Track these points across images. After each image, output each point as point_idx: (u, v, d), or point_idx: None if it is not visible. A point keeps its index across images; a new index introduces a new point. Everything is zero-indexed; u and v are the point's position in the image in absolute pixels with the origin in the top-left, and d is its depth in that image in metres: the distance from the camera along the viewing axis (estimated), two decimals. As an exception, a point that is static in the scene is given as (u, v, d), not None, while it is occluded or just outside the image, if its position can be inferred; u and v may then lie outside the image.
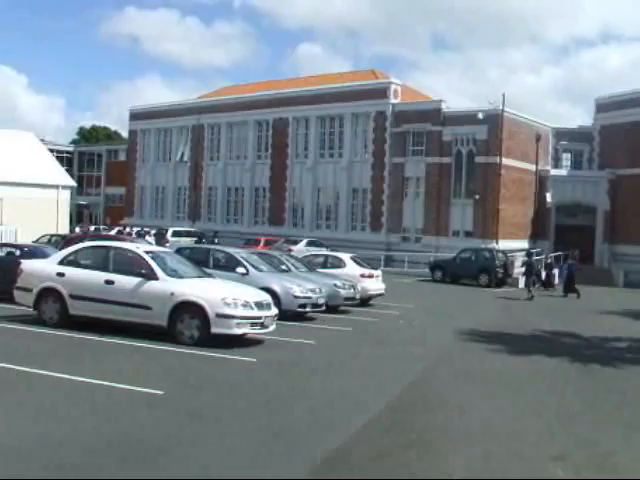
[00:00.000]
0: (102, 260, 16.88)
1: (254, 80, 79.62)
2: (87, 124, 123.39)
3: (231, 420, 9.85)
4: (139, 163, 74.82)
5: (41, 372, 11.69)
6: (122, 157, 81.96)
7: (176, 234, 54.08)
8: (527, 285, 35.37)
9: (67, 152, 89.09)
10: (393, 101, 56.40)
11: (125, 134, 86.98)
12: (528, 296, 34.16)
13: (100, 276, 16.27)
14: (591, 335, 23.07)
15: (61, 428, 8.80)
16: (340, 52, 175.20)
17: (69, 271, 16.64)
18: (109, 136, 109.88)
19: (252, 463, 8.09)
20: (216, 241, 50.22)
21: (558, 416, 11.69)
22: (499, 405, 12.00)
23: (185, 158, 70.21)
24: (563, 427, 10.91)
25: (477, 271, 41.75)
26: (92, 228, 60.96)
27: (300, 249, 42.70)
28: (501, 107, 50.87)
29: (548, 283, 43.13)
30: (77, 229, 58.10)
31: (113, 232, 50.79)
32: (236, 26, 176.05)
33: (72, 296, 16.25)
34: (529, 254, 41.84)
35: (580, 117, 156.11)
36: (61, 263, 17.06)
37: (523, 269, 44.26)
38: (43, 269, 17.20)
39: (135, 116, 75.66)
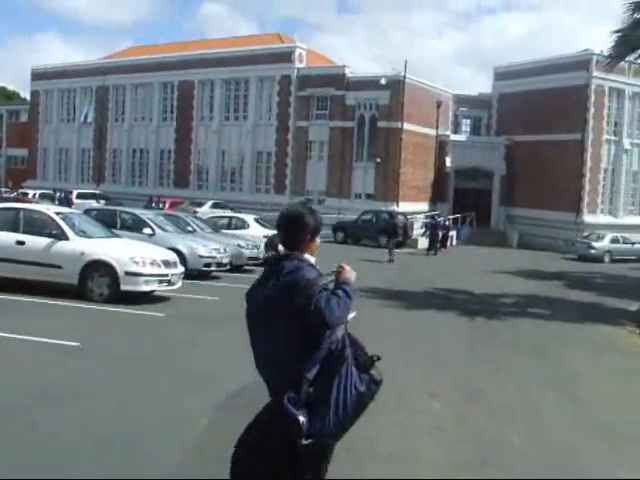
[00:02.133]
0: (12, 222, 17.10)
1: (157, 39, 78.91)
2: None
3: (143, 366, 10.79)
4: (42, 124, 73.12)
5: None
6: (24, 118, 79.85)
7: (81, 196, 53.85)
8: (389, 248, 35.75)
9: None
10: (298, 65, 56.84)
11: (25, 94, 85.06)
12: (389, 259, 34.38)
13: (11, 237, 16.58)
14: (481, 292, 24.59)
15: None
16: (244, 13, 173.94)
17: (-22, 233, 16.81)
18: (9, 96, 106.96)
19: (161, 402, 9.04)
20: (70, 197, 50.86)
21: (440, 360, 13.01)
22: (386, 352, 13.13)
23: (89, 119, 69.16)
24: (444, 370, 12.21)
25: (377, 232, 42.90)
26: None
27: (205, 211, 43.22)
28: (403, 73, 52.00)
29: (443, 244, 44.97)
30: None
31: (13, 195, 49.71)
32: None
33: (-17, 257, 16.47)
34: (432, 218, 43.71)
35: (484, 82, 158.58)
36: (-31, 225, 17.18)
37: (423, 231, 46.12)
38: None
39: (37, 76, 73.52)
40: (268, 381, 4.76)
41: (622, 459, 8.16)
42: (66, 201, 47.03)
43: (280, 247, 4.91)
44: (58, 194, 53.30)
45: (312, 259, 4.85)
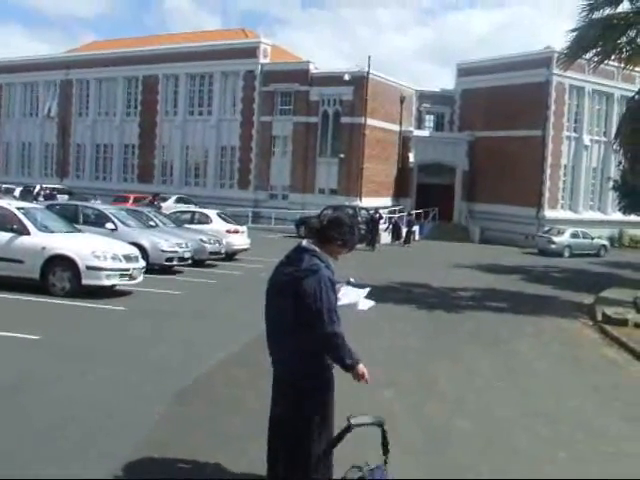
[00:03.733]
0: (-27, 216, 17.08)
1: (120, 33, 78.26)
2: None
3: (102, 359, 10.99)
4: (4, 118, 72.28)
5: None
6: (-16, 111, 79.03)
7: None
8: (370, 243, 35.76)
9: None
10: (262, 61, 56.92)
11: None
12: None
13: (-29, 231, 16.57)
14: (441, 286, 24.97)
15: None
16: (209, 8, 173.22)
17: (-61, 227, 16.78)
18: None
19: (118, 394, 9.25)
20: (54, 194, 50.46)
21: (397, 350, 13.34)
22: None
23: (52, 114, 68.75)
24: (400, 359, 12.55)
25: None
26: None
27: (169, 206, 43.19)
28: (367, 69, 52.34)
29: (407, 239, 45.50)
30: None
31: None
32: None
33: (-57, 251, 16.44)
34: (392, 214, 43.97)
35: (447, 79, 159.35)
36: None
37: (386, 226, 46.51)
38: None
39: (-1, 69, 73.24)
40: (271, 351, 5.52)
41: (562, 443, 8.52)
42: (51, 198, 46.56)
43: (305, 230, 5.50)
44: (19, 189, 52.77)
45: (330, 260, 5.35)
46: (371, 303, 5.65)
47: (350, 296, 5.56)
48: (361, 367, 5.35)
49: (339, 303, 5.38)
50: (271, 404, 5.67)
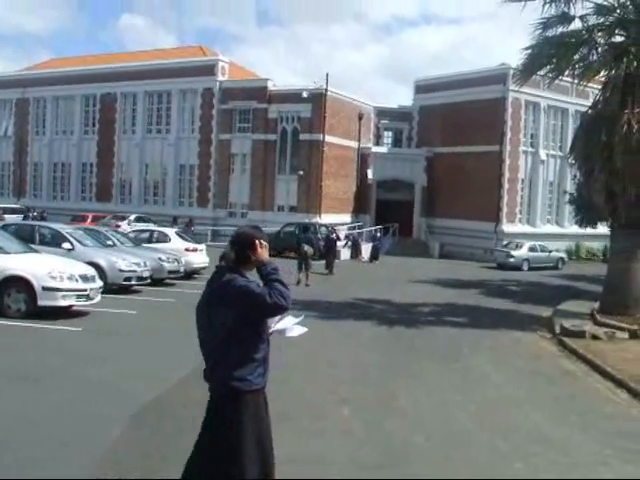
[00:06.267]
0: None
1: (75, 50, 77.73)
2: None
3: (53, 379, 10.89)
4: (-43, 138, 71.68)
5: None
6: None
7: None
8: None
9: None
10: (220, 78, 56.86)
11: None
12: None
13: None
14: (401, 301, 25.09)
15: None
16: (164, 25, 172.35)
17: None
18: None
19: (71, 416, 9.14)
20: (45, 215, 49.87)
21: (357, 367, 13.40)
22: (300, 361, 13.45)
23: (9, 133, 68.25)
24: (357, 376, 12.59)
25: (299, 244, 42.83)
26: None
27: (126, 227, 42.95)
28: (325, 86, 52.50)
29: (375, 255, 45.72)
30: None
31: None
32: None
33: None
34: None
35: (405, 95, 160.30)
36: None
37: (345, 242, 46.58)
38: None
39: (-48, 88, 72.04)
40: (205, 361, 5.47)
41: (518, 455, 8.58)
42: (40, 219, 46.09)
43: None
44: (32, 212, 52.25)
45: (248, 274, 5.42)
46: (303, 330, 5.74)
47: (285, 322, 5.66)
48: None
49: (273, 328, 5.53)
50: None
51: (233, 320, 5.16)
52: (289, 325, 5.69)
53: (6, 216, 46.73)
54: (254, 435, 5.24)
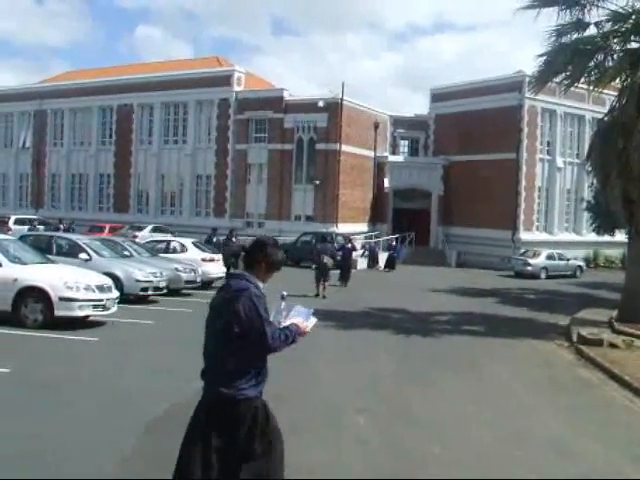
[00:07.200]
0: (-56, 249, 16.99)
1: (90, 62, 78.15)
2: None
3: (72, 389, 10.91)
4: (-22, 150, 72.20)
5: None
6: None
7: (19, 222, 53.13)
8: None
9: None
10: (237, 89, 56.99)
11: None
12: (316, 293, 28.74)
13: (-57, 264, 16.47)
14: (418, 310, 24.99)
15: None
16: (180, 35, 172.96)
17: None
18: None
19: (88, 426, 9.18)
20: (74, 227, 49.82)
21: (373, 377, 13.36)
22: (319, 370, 13.45)
23: (27, 144, 68.65)
24: (373, 386, 12.54)
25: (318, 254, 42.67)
26: None
27: (145, 235, 43.07)
28: (341, 95, 52.50)
29: (392, 264, 45.63)
30: None
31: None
32: (69, 3, 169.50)
33: None
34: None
35: (420, 103, 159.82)
36: None
37: (362, 252, 46.56)
38: None
39: (-28, 100, 72.61)
40: (205, 370, 5.55)
41: (534, 465, 8.54)
42: (69, 230, 45.89)
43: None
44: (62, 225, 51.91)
45: (260, 283, 5.58)
46: (314, 320, 5.79)
47: (294, 316, 5.69)
48: (301, 329, 5.59)
49: (284, 324, 5.59)
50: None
51: (232, 331, 5.28)
52: (300, 318, 5.71)
53: (25, 227, 46.90)
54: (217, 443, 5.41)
